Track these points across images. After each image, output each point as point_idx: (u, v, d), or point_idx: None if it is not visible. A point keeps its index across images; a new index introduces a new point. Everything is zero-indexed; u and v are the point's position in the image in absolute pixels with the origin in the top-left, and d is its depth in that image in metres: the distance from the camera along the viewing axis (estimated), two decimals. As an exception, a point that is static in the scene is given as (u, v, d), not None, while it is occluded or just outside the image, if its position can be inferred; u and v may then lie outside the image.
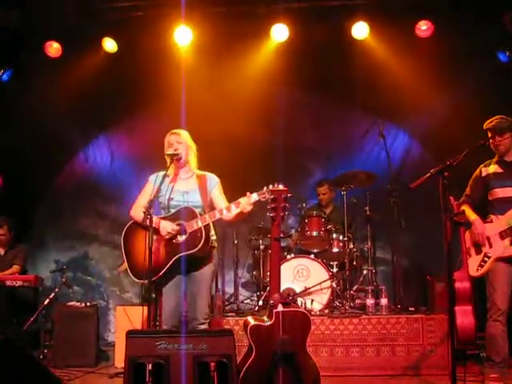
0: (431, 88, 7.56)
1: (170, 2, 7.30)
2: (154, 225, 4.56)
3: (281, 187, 4.39)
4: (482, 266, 5.01)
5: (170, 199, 4.80)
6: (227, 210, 4.65)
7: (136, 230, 4.84)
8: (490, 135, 5.07)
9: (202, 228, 4.62)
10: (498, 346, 4.88)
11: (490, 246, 5.03)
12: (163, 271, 4.64)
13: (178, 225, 4.68)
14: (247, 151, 7.90)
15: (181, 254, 4.63)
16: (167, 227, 4.68)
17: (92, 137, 8.56)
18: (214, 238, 4.90)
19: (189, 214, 4.68)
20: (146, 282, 4.56)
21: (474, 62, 7.22)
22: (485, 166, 5.25)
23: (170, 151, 4.83)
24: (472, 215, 5.15)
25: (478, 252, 5.09)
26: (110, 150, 8.56)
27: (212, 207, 4.90)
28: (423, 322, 5.93)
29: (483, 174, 5.23)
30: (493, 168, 5.19)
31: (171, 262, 4.63)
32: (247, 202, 4.53)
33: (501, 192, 5.09)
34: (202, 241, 4.61)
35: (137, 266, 4.74)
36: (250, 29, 7.57)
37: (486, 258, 5.02)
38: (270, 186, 4.43)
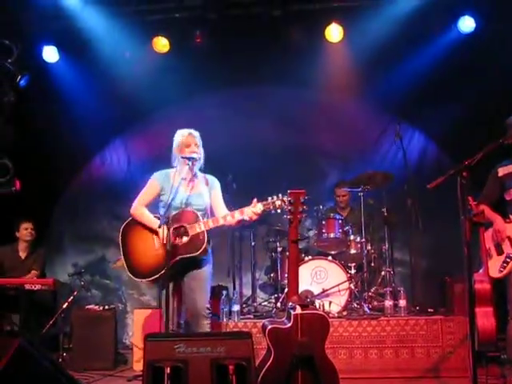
0: (448, 87, 7.53)
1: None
2: (154, 227, 4.70)
3: (285, 198, 4.37)
4: (504, 268, 4.91)
5: (173, 199, 4.76)
6: (231, 217, 4.70)
7: (135, 228, 4.89)
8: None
9: (205, 232, 4.67)
10: (519, 347, 4.81)
11: None
12: (163, 272, 4.63)
13: (179, 227, 4.70)
14: (263, 154, 7.90)
15: (182, 256, 4.67)
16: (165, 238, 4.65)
17: (108, 140, 8.61)
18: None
19: (191, 216, 4.73)
20: (143, 280, 4.81)
21: (491, 61, 7.15)
22: (501, 166, 5.16)
23: (193, 155, 4.85)
24: (493, 214, 5.08)
25: (500, 253, 4.98)
26: (127, 153, 8.60)
27: (211, 209, 4.95)
28: (442, 323, 5.90)
29: (500, 174, 5.13)
30: (509, 168, 5.09)
31: (172, 264, 4.64)
32: (253, 211, 4.56)
33: None
34: (204, 245, 4.67)
35: (136, 265, 4.80)
36: (264, 31, 7.59)
37: (507, 259, 4.91)
38: (275, 197, 4.51)
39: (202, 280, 4.83)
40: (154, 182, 4.97)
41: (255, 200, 4.56)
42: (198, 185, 4.97)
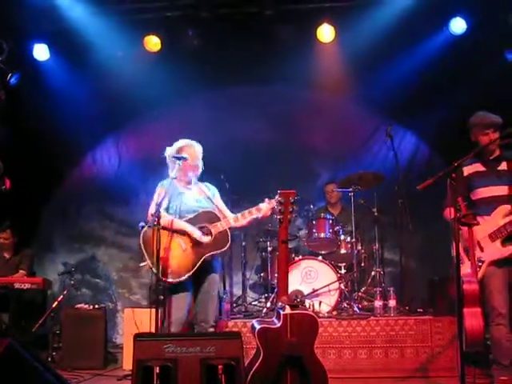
0: (439, 88, 7.56)
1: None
2: (180, 227, 4.80)
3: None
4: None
5: (183, 205, 4.92)
6: (249, 213, 4.89)
7: (156, 233, 4.86)
8: (490, 130, 4.87)
9: (227, 229, 4.85)
10: (504, 349, 4.76)
11: (482, 250, 4.83)
12: (193, 271, 4.75)
13: (202, 227, 4.83)
14: (255, 154, 7.91)
15: (210, 253, 4.80)
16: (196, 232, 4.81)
17: (100, 139, 8.59)
18: None
19: (210, 217, 4.90)
20: (178, 280, 4.73)
21: (482, 62, 7.17)
22: (466, 165, 4.98)
23: (183, 155, 4.95)
24: None
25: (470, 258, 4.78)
26: (118, 152, 8.59)
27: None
28: (431, 323, 5.90)
29: (465, 174, 5.01)
30: (475, 167, 4.99)
31: (200, 262, 4.77)
32: (267, 207, 4.81)
33: (484, 191, 4.92)
34: (229, 241, 4.84)
35: (166, 267, 4.77)
36: (256, 30, 7.59)
37: (479, 263, 4.79)
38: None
39: (215, 287, 4.97)
40: (162, 190, 5.00)
41: (267, 199, 4.82)
42: (197, 190, 5.10)
